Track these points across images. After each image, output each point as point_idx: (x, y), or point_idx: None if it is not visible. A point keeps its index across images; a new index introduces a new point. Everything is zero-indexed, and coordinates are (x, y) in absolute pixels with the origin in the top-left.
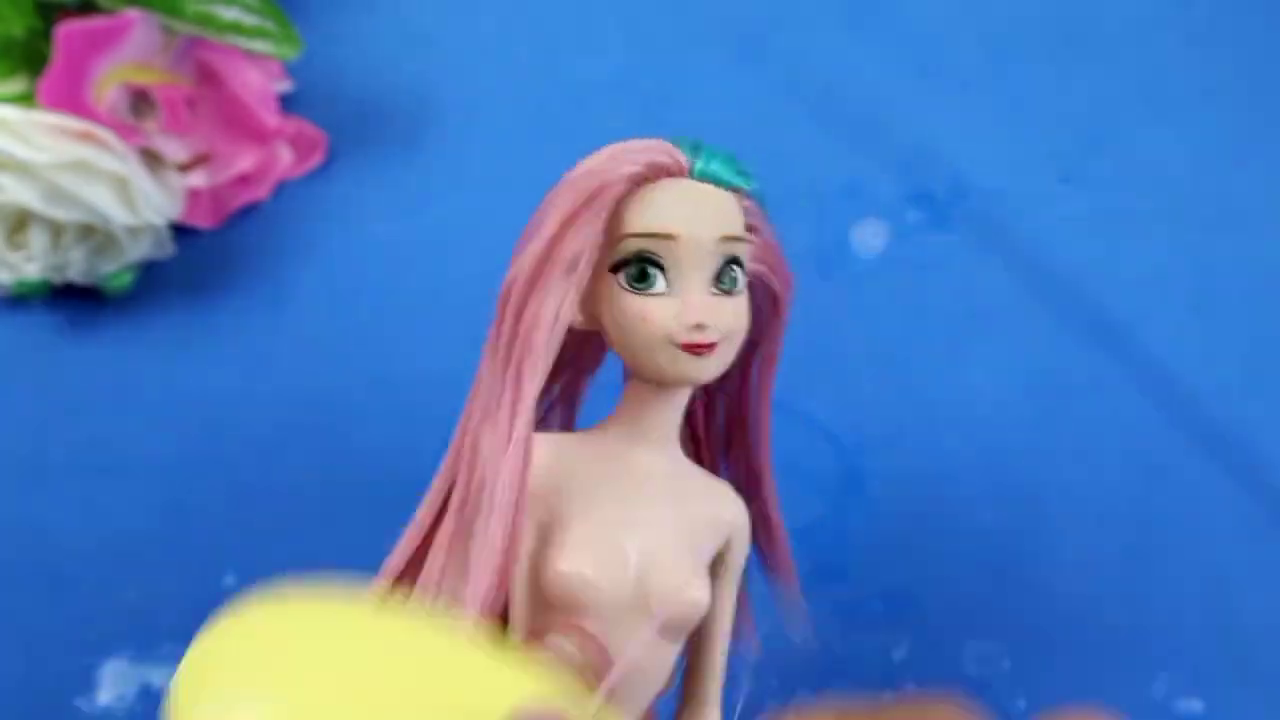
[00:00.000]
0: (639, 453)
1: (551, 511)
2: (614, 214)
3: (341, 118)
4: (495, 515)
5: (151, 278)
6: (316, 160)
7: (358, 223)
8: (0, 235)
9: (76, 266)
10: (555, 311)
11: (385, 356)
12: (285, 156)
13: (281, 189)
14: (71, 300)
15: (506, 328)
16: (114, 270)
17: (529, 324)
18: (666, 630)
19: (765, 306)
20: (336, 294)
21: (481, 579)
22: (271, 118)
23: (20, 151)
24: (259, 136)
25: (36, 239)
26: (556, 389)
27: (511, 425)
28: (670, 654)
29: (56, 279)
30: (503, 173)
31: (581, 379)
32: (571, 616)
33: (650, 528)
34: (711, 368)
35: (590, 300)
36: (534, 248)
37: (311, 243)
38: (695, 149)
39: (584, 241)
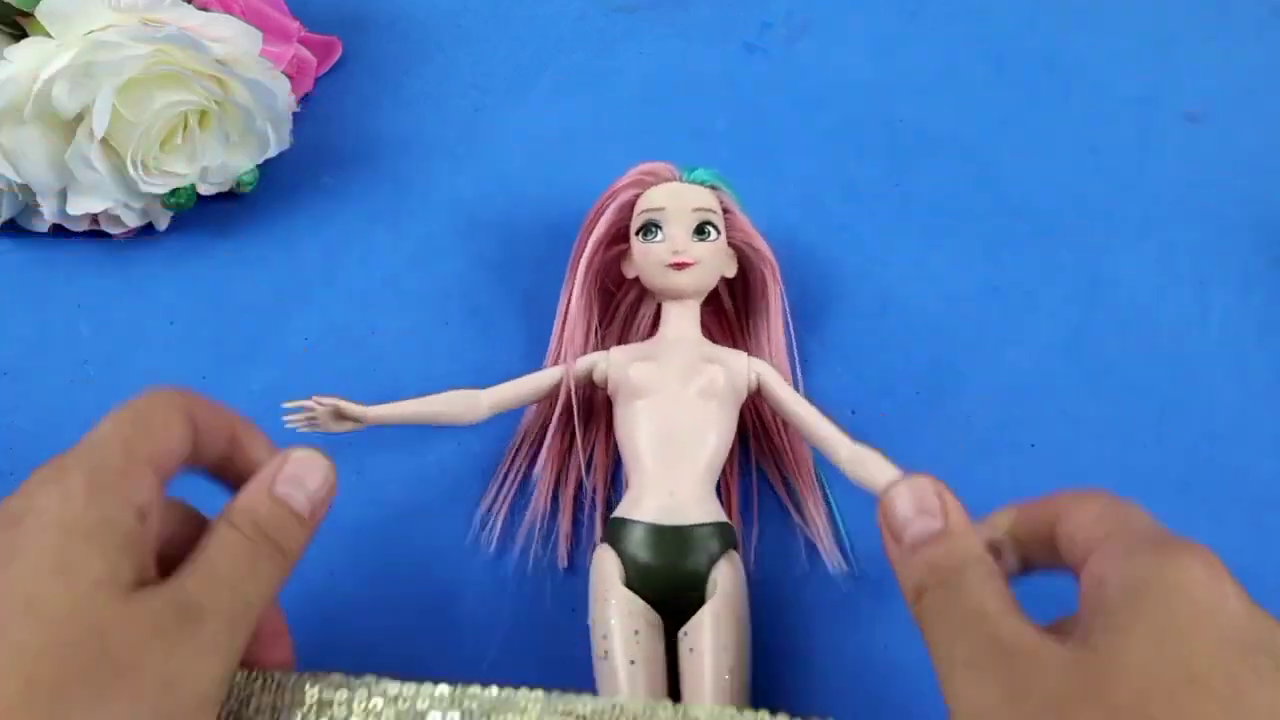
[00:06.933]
0: (670, 340)
1: (624, 368)
2: (635, 203)
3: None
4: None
5: (267, 173)
6: (334, 59)
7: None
8: (154, 147)
9: (219, 170)
10: (589, 259)
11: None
12: (310, 56)
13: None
14: (213, 204)
15: (576, 278)
16: (247, 169)
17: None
18: (703, 395)
19: (763, 271)
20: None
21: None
22: (289, 20)
23: (213, 48)
24: (284, 36)
25: (207, 139)
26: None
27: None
28: (716, 415)
29: (201, 187)
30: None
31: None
32: (640, 397)
33: (679, 351)
34: (688, 279)
35: (629, 257)
36: (585, 225)
37: (373, 125)
38: (689, 168)
39: (611, 219)
